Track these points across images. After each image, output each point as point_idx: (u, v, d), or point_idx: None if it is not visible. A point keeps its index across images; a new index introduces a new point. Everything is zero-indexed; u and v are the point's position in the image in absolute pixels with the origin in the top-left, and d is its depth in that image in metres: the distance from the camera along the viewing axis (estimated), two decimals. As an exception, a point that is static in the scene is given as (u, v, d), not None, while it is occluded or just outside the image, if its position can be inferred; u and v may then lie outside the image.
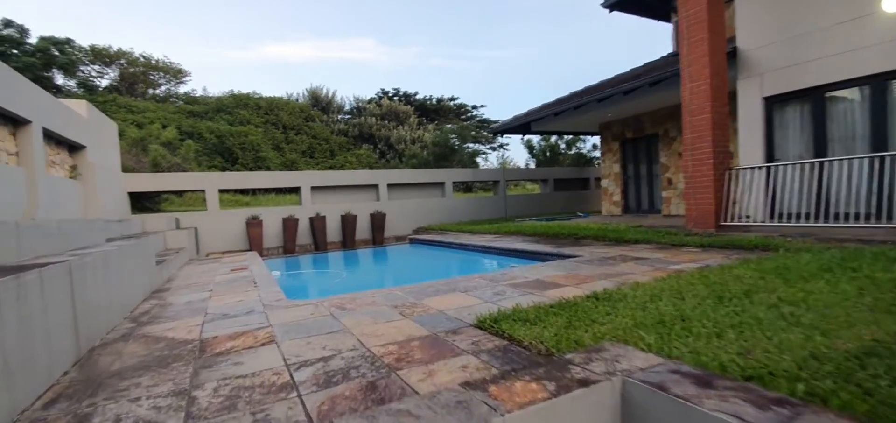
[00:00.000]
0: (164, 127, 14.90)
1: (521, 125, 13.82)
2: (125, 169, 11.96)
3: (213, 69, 50.63)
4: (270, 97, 28.48)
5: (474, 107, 34.91)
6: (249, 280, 5.49)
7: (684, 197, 7.97)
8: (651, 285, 3.67)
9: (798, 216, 7.44)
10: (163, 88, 32.66)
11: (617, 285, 4.00)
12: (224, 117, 25.15)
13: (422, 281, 5.96)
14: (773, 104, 8.31)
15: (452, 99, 34.53)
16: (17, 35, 22.92)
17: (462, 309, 3.48)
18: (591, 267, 5.04)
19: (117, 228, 6.90)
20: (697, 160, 7.59)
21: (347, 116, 31.59)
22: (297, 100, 30.72)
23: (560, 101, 12.72)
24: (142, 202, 12.15)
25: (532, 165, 22.59)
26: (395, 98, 32.71)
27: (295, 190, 13.29)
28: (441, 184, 15.21)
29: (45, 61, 23.47)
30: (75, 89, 26.61)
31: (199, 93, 31.65)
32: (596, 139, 19.97)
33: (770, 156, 8.35)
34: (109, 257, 3.53)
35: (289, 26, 62.35)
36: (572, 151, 19.72)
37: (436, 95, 34.56)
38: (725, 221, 7.52)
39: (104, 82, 30.04)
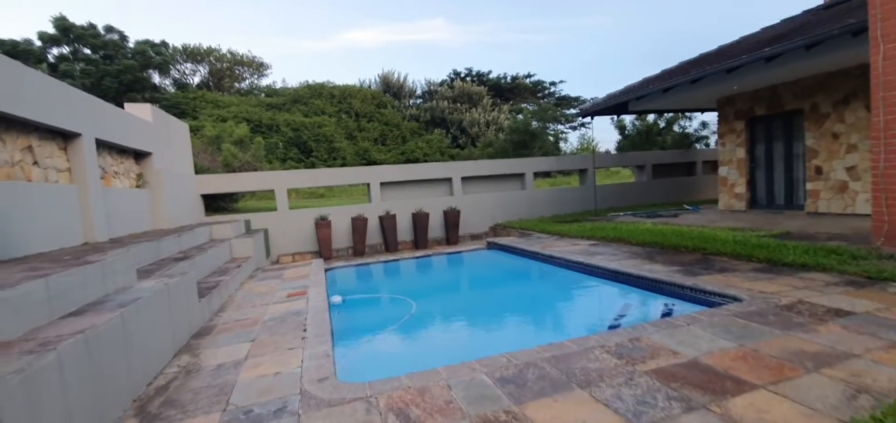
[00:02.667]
0: (238, 124, 14.88)
1: (616, 105, 11.79)
2: (200, 169, 11.89)
3: (293, 60, 52.65)
4: (343, 86, 28.41)
5: (552, 83, 32.50)
6: (301, 321, 4.52)
7: (873, 201, 5.79)
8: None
9: None
10: (247, 81, 34.14)
11: (853, 396, 2.38)
12: (300, 108, 25.43)
13: (514, 334, 4.65)
14: None
15: (528, 76, 32.36)
16: (118, 40, 24.68)
17: (596, 446, 2.10)
18: (770, 333, 3.37)
19: (173, 244, 6.35)
20: (899, 151, 5.38)
21: (419, 101, 30.80)
22: (369, 86, 30.45)
23: (668, 74, 10.52)
24: (217, 202, 12.06)
25: (614, 148, 20.09)
26: (468, 79, 31.23)
27: (366, 184, 12.53)
28: (520, 175, 13.65)
29: (142, 63, 25.11)
30: (169, 87, 28.42)
31: (279, 85, 32.62)
32: (704, 116, 17.12)
33: None
34: (99, 337, 2.60)
35: (361, 12, 63.04)
36: (675, 130, 17.01)
37: (510, 72, 32.57)
38: (941, 236, 5.29)
39: (196, 80, 31.96)
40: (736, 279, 4.95)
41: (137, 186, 7.82)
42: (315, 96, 26.62)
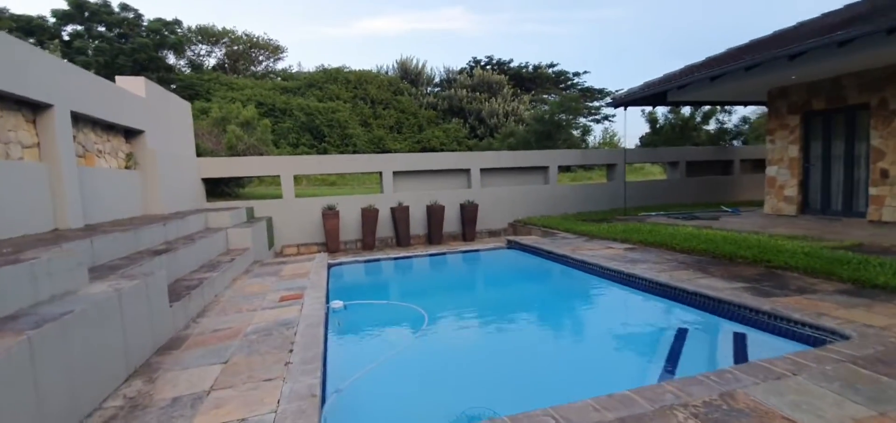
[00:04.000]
0: (246, 105, 14.18)
1: (653, 95, 10.73)
2: (204, 152, 11.22)
3: (310, 46, 52.00)
4: (359, 71, 27.58)
5: (576, 74, 31.17)
6: (289, 337, 3.73)
7: None
8: None
9: None
10: (263, 65, 33.61)
11: None
12: (314, 93, 24.72)
13: (552, 366, 3.70)
14: None
15: (551, 66, 31.11)
16: (133, 18, 24.24)
17: None
18: (914, 392, 2.45)
19: (157, 234, 5.63)
20: None
21: (437, 89, 29.83)
22: (386, 73, 29.58)
23: (717, 60, 9.43)
24: (221, 188, 11.39)
25: (638, 144, 18.86)
26: (488, 67, 30.14)
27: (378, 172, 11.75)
28: (544, 169, 12.70)
29: (156, 42, 24.63)
30: (184, 68, 27.98)
31: (294, 69, 32.00)
32: (744, 110, 15.84)
33: None
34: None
35: (382, 0, 62.02)
36: (709, 127, 15.78)
37: (532, 62, 31.34)
38: None
39: (211, 62, 31.49)
40: (824, 304, 4.00)
41: (127, 167, 7.13)
42: (330, 81, 25.91)
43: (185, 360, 3.35)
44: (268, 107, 21.65)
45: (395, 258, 8.70)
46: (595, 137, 27.97)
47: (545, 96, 29.59)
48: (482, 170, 11.98)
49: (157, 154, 7.51)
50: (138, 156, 7.36)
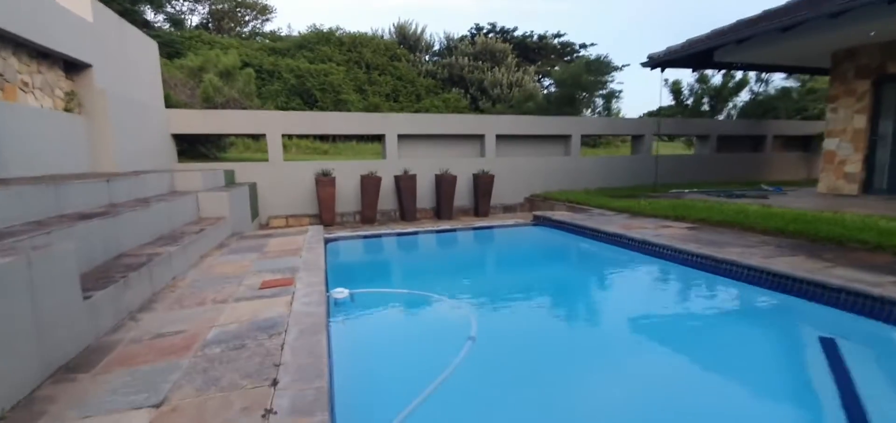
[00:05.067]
0: (226, 51, 12.48)
1: (697, 54, 9.34)
2: (176, 105, 9.62)
3: (301, 11, 49.19)
4: (354, 33, 25.65)
5: (583, 45, 29.48)
6: (272, 351, 2.37)
7: None
8: None
9: None
10: (249, 25, 31.43)
11: None
12: (305, 54, 22.86)
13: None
14: None
15: (557, 35, 29.38)
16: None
17: None
18: None
19: (95, 193, 4.18)
20: None
21: (436, 57, 28.03)
22: (382, 36, 27.67)
23: (774, 14, 8.01)
24: (196, 149, 9.82)
25: (631, 116, 17.47)
26: (491, 35, 28.35)
27: (378, 138, 10.29)
28: (565, 138, 11.34)
29: (133, -5, 22.38)
30: (163, 25, 25.76)
31: (284, 32, 29.97)
32: (786, 80, 14.52)
33: None
34: None
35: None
36: (741, 97, 14.44)
37: (537, 31, 29.59)
38: None
39: (194, 20, 29.24)
40: None
41: (67, 110, 5.60)
42: (322, 42, 24.06)
43: (91, 396, 1.97)
44: (254, 68, 19.84)
45: (406, 234, 7.33)
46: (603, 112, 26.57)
47: (547, 69, 28.03)
48: (498, 136, 10.58)
49: (108, 96, 5.97)
50: (83, 97, 5.82)
